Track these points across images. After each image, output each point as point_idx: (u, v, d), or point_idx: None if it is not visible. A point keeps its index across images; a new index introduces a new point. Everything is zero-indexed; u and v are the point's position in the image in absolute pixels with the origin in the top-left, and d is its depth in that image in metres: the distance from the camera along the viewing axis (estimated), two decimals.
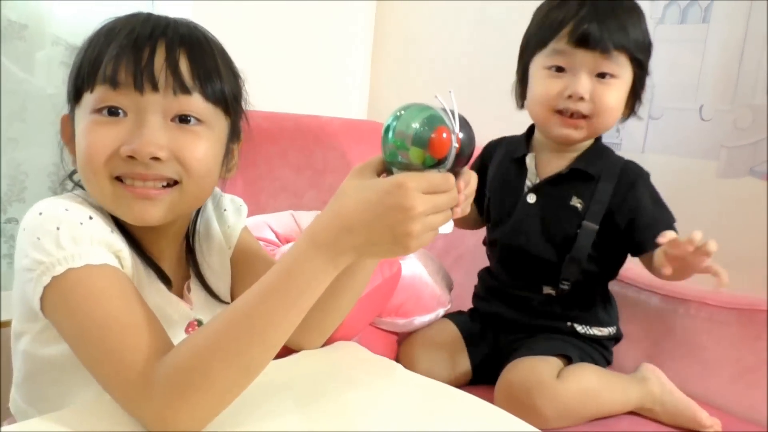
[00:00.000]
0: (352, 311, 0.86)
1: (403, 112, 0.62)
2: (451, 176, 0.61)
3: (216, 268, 0.84)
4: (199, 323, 0.77)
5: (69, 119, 0.72)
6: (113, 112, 0.66)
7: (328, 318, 0.81)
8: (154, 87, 0.66)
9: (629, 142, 1.45)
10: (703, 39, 1.33)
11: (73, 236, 0.63)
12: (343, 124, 1.71)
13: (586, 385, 1.03)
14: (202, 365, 0.58)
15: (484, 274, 1.27)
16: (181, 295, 0.78)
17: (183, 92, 0.67)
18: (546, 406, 0.98)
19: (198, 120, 0.69)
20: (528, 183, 1.17)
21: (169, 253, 0.77)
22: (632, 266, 1.31)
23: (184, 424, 0.58)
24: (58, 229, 0.62)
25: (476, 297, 1.26)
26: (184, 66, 0.68)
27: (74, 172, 0.74)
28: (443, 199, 0.61)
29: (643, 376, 1.09)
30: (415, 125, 0.60)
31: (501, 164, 1.23)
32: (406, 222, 0.59)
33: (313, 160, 1.56)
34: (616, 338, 1.18)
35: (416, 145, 0.60)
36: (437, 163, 0.61)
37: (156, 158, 0.66)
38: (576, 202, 1.11)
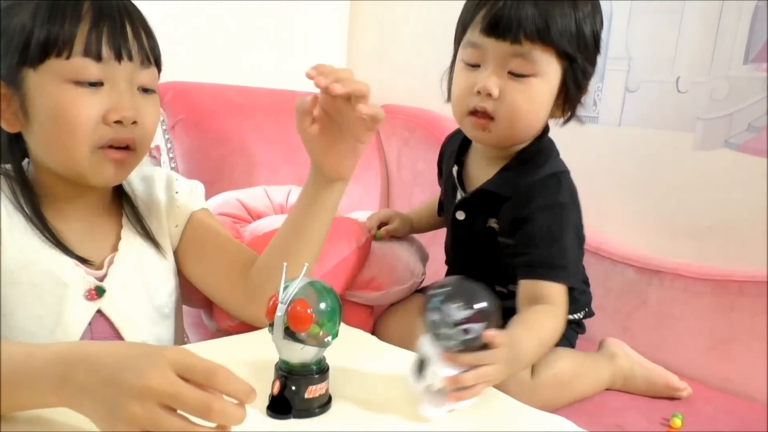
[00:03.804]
0: None
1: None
2: (219, 372, 0.50)
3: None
4: (99, 291, 0.79)
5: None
6: (95, 84, 0.71)
7: (306, 247, 0.82)
8: (129, 58, 0.72)
9: (606, 115, 1.44)
10: (680, 10, 1.32)
11: None
12: None
13: (559, 372, 0.98)
14: None
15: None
16: (100, 265, 0.80)
17: (147, 64, 0.75)
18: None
19: (153, 90, 0.77)
20: (459, 194, 1.06)
21: (83, 224, 0.81)
22: (608, 239, 1.31)
23: None
24: None
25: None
26: (144, 39, 0.75)
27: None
28: (191, 398, 0.48)
29: (611, 352, 1.08)
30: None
31: (447, 164, 1.12)
32: (130, 394, 0.48)
33: (288, 135, 1.53)
34: (578, 323, 1.11)
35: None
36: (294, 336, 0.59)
37: (134, 122, 0.73)
38: (492, 224, 1.00)
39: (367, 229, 1.18)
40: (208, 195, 1.27)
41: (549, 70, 0.92)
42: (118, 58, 0.71)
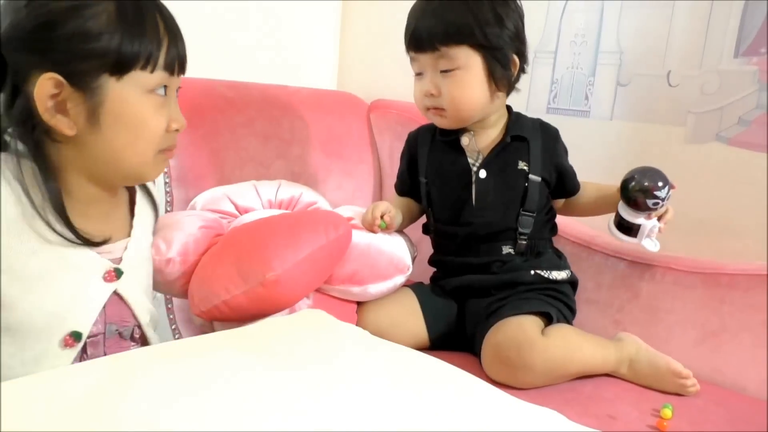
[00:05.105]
0: (295, 274, 0.94)
1: None
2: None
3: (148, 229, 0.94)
4: (117, 272, 0.82)
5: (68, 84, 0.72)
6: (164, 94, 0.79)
7: None
8: (185, 70, 0.81)
9: (597, 109, 1.44)
10: (670, 4, 1.32)
11: None
12: (311, 95, 1.68)
13: (570, 340, 1.06)
14: None
15: (438, 261, 1.26)
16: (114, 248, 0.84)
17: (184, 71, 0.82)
18: (536, 361, 1.00)
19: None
20: (470, 161, 1.19)
21: (98, 213, 0.83)
22: (600, 233, 1.32)
23: None
24: None
25: (435, 280, 1.27)
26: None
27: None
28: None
29: (618, 338, 1.12)
30: None
31: (432, 152, 1.25)
32: None
33: (280, 130, 1.53)
34: (572, 282, 1.22)
35: None
36: None
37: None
38: (522, 165, 1.18)
39: (371, 219, 1.16)
40: (200, 190, 1.27)
41: (469, 62, 1.12)
42: (180, 71, 0.79)
